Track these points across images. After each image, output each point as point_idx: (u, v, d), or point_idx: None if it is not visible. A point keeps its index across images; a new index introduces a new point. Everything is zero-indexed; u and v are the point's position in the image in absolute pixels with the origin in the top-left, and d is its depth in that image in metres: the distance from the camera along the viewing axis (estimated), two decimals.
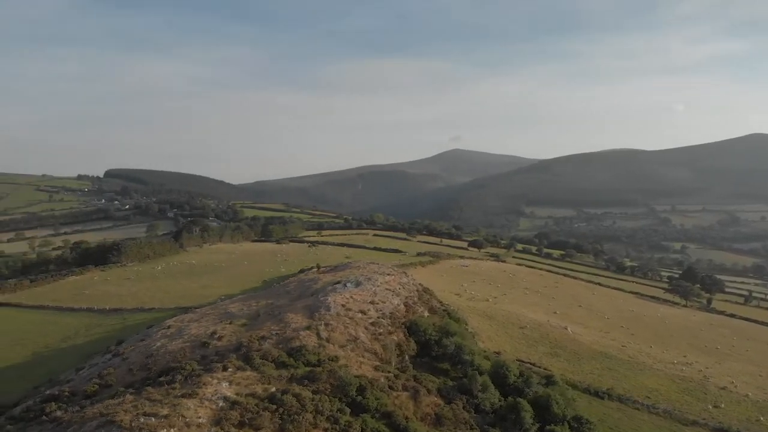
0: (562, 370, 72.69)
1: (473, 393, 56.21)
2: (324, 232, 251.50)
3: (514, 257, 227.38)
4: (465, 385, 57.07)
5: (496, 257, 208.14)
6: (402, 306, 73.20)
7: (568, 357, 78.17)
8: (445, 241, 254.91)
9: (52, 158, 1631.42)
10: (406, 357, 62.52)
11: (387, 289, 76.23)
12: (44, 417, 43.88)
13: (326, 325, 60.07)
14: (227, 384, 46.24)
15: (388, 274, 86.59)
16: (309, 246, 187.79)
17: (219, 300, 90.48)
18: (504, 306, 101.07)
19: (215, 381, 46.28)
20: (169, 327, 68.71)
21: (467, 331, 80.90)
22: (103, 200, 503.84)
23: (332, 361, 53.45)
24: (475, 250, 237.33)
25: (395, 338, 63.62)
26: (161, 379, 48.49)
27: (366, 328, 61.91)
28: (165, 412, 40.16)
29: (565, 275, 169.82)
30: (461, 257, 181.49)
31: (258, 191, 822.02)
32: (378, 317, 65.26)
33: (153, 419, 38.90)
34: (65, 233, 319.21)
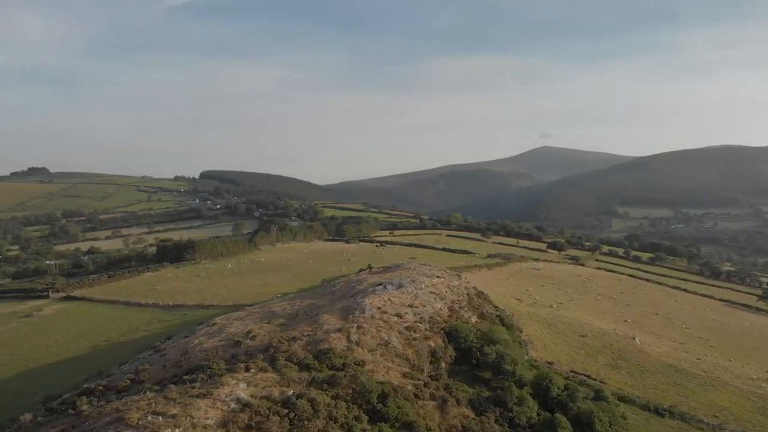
0: (621, 384, 67.29)
1: (508, 406, 52.90)
2: (396, 232, 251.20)
3: (597, 260, 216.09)
4: (500, 396, 53.83)
5: (576, 260, 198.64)
6: (445, 310, 70.59)
7: (630, 369, 72.29)
8: (523, 243, 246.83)
9: (152, 160, 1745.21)
10: (443, 364, 59.98)
11: (431, 292, 73.83)
12: (70, 410, 45.62)
13: (358, 327, 58.79)
14: (245, 385, 45.91)
15: (438, 277, 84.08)
16: (377, 246, 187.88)
17: (275, 298, 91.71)
18: (568, 312, 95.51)
19: (234, 382, 46.07)
20: (213, 324, 70.13)
21: (519, 338, 77.11)
22: (197, 200, 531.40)
23: (358, 365, 52.02)
24: (555, 252, 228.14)
25: (432, 344, 61.25)
26: (186, 377, 49.05)
27: (400, 333, 60.02)
28: (175, 411, 40.18)
29: (647, 280, 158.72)
30: (536, 260, 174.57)
31: (342, 192, 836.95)
32: (415, 321, 63.15)
33: (160, 418, 38.99)
34: (158, 231, 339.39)
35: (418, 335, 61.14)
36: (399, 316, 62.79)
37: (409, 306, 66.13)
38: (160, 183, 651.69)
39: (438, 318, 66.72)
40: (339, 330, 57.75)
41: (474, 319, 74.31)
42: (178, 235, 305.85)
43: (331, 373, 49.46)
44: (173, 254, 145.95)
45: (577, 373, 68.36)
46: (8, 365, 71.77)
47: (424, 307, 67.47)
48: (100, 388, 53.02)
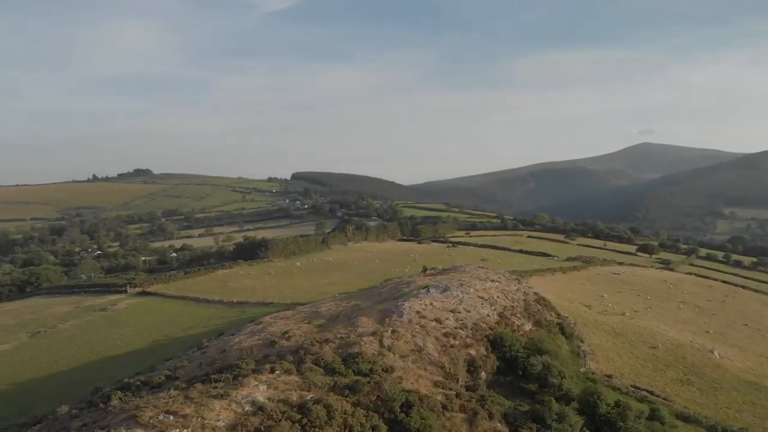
0: (689, 402, 60.84)
1: (546, 422, 48.91)
2: (473, 233, 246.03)
3: (691, 265, 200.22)
4: (539, 411, 49.91)
5: (666, 264, 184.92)
6: (493, 316, 67.00)
7: (702, 386, 65.29)
8: (611, 245, 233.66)
9: (247, 162, 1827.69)
10: (483, 374, 56.71)
11: (479, 296, 70.40)
12: (101, 405, 47.12)
13: (393, 332, 56.86)
14: (265, 387, 45.31)
15: (493, 280, 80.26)
16: (448, 247, 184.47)
17: (333, 297, 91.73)
18: (642, 321, 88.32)
19: (255, 383, 45.61)
20: (259, 323, 70.82)
21: (579, 349, 72.02)
22: (287, 200, 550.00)
23: (386, 371, 50.10)
24: (645, 255, 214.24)
25: (472, 352, 58.14)
26: (213, 376, 49.25)
27: (436, 339, 57.42)
28: (188, 411, 40.11)
29: (743, 287, 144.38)
30: (619, 263, 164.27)
31: (426, 191, 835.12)
32: (455, 327, 60.26)
33: (171, 418, 39.04)
34: (247, 230, 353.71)
35: (457, 342, 58.25)
36: (438, 321, 60.17)
37: (451, 311, 63.27)
38: (253, 184, 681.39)
39: (483, 324, 63.32)
40: (373, 333, 56.14)
41: (528, 327, 70.08)
42: (265, 233, 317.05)
43: (355, 378, 47.87)
44: (248, 252, 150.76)
45: (638, 388, 62.54)
46: (74, 357, 76.25)
47: (468, 312, 64.29)
48: (138, 383, 54.70)
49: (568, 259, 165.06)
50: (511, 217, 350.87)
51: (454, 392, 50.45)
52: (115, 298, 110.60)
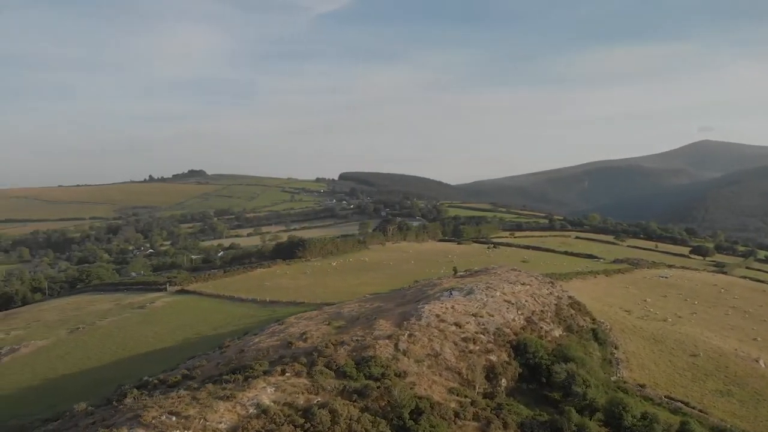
0: (728, 414, 56.94)
1: None
2: (518, 234, 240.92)
3: (747, 268, 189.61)
4: (558, 422, 47.48)
5: (720, 267, 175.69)
6: (519, 321, 64.61)
7: (743, 397, 61.03)
8: (663, 247, 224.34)
9: (297, 162, 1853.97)
10: (503, 381, 54.54)
11: (506, 300, 67.98)
12: (115, 403, 47.74)
13: (410, 335, 55.49)
14: (273, 389, 44.78)
15: (523, 284, 77.55)
16: (488, 248, 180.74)
17: (359, 298, 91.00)
18: (684, 328, 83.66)
19: (263, 385, 45.15)
20: (282, 323, 70.65)
21: (612, 356, 68.73)
22: (334, 200, 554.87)
23: (399, 376, 48.84)
24: (698, 258, 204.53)
25: (493, 358, 56.08)
26: (225, 377, 49.23)
27: (455, 344, 55.65)
28: (192, 412, 39.90)
29: None
30: (669, 266, 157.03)
31: (475, 191, 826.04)
32: (476, 332, 58.29)
33: (174, 419, 38.91)
34: (294, 229, 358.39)
35: (477, 347, 56.33)
36: (458, 325, 58.33)
37: (473, 315, 61.29)
38: (302, 184, 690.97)
39: (506, 330, 61.08)
40: (389, 337, 54.93)
41: (557, 333, 67.31)
42: (310, 233, 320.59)
43: (365, 383, 46.74)
44: (287, 252, 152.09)
45: (673, 399, 58.88)
46: (106, 353, 78.15)
47: (492, 316, 62.15)
48: (156, 382, 55.26)
49: (615, 261, 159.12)
50: (561, 218, 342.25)
51: (469, 400, 48.66)
52: (154, 296, 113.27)
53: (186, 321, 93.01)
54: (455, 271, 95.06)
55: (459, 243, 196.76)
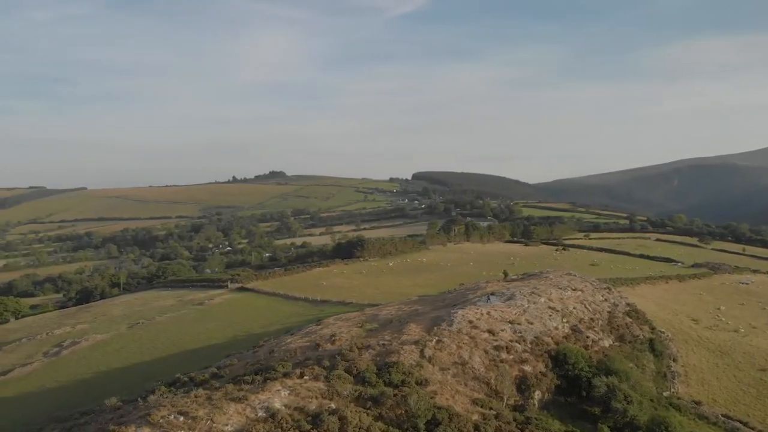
0: None
1: None
2: (593, 235, 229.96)
3: None
4: None
5: None
6: (563, 329, 60.54)
7: None
8: (752, 250, 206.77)
9: (371, 163, 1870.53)
10: (537, 393, 51.08)
11: (550, 307, 64.01)
12: (139, 399, 48.65)
13: (438, 341, 53.11)
14: (287, 392, 44.07)
15: (574, 289, 72.95)
16: (556, 250, 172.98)
17: (401, 300, 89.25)
18: (756, 339, 75.81)
19: (277, 388, 44.53)
20: (319, 324, 70.15)
21: (668, 369, 63.11)
22: (406, 200, 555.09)
23: (420, 384, 46.77)
24: None
25: (527, 368, 52.66)
26: (246, 377, 49.07)
27: (485, 352, 52.71)
28: (200, 413, 39.78)
29: None
30: (754, 271, 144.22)
31: (555, 190, 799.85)
32: (510, 340, 55.02)
33: (182, 419, 38.92)
34: (364, 228, 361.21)
35: (510, 357, 53.11)
36: (491, 332, 55.28)
37: (509, 322, 57.95)
38: (376, 184, 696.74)
39: (546, 338, 57.32)
40: (415, 342, 52.84)
41: (606, 343, 62.62)
42: (378, 233, 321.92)
43: (381, 390, 45.05)
44: (346, 251, 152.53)
45: (730, 418, 52.99)
46: (157, 349, 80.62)
47: (531, 324, 58.52)
48: (185, 379, 56.10)
49: (694, 265, 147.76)
50: (644, 218, 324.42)
51: (494, 412, 45.84)
52: (214, 293, 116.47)
53: (238, 318, 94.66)
54: (505, 274, 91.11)
55: (526, 245, 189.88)
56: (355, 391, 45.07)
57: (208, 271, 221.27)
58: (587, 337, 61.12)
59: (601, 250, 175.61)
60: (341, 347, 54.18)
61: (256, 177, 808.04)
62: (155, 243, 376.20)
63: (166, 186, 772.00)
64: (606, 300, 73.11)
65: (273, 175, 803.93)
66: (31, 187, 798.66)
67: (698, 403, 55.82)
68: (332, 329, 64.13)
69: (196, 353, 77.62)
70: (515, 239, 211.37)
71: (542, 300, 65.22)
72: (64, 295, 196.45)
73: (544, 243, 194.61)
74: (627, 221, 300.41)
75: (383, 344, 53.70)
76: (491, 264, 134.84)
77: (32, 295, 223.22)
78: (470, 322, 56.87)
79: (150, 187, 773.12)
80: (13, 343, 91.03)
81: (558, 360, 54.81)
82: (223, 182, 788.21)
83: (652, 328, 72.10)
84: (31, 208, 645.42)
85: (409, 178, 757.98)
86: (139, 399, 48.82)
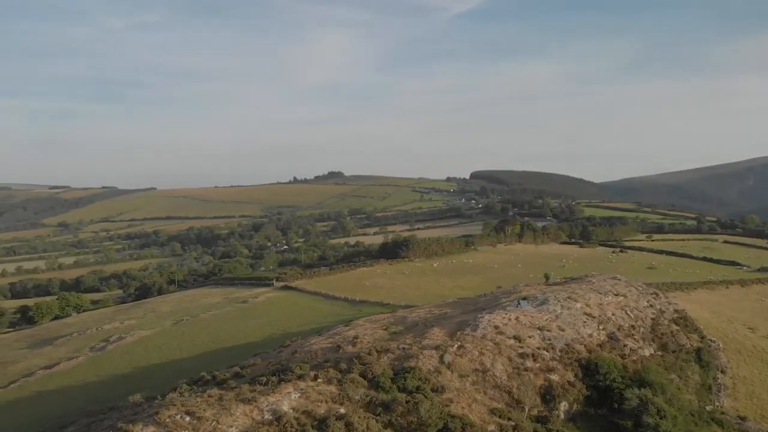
0: None
1: None
2: (656, 236, 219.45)
3: None
4: None
5: None
6: (598, 337, 57.22)
7: None
8: None
9: (428, 162, 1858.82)
10: (563, 404, 48.34)
11: (586, 313, 60.67)
12: (159, 397, 49.25)
13: (459, 347, 51.20)
14: (298, 395, 43.50)
15: (616, 294, 68.97)
16: (613, 252, 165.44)
17: (434, 303, 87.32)
18: None
19: (288, 390, 43.99)
20: (347, 325, 69.40)
21: (714, 381, 58.63)
22: (463, 200, 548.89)
23: (435, 391, 45.12)
24: None
25: (554, 377, 49.94)
26: (262, 378, 48.89)
27: (509, 359, 50.33)
28: (207, 414, 39.71)
29: None
30: None
31: (622, 189, 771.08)
32: (537, 347, 52.34)
33: (188, 419, 38.96)
34: (417, 228, 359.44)
35: (535, 365, 50.51)
36: (518, 339, 52.80)
37: (538, 328, 55.24)
38: (432, 184, 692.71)
39: (578, 346, 54.27)
40: (436, 347, 51.12)
41: (647, 352, 58.76)
42: (432, 232, 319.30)
43: (393, 396, 43.69)
44: (391, 251, 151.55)
45: None
46: (196, 345, 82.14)
47: (562, 331, 55.58)
48: (208, 378, 56.57)
49: (761, 269, 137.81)
50: (713, 219, 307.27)
51: (513, 423, 43.66)
52: (259, 291, 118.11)
53: (278, 317, 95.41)
54: (547, 277, 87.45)
55: (582, 246, 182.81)
56: (367, 396, 43.93)
57: (263, 269, 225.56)
58: (625, 345, 57.49)
59: (661, 252, 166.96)
60: (360, 350, 53.14)
61: (316, 177, 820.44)
62: (217, 241, 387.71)
63: (231, 186, 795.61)
64: (651, 306, 68.78)
65: (331, 175, 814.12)
66: (103, 188, 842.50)
67: (743, 418, 51.41)
68: (357, 331, 63.18)
69: (231, 351, 78.45)
70: (572, 240, 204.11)
71: (578, 305, 61.94)
72: (124, 291, 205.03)
73: (602, 245, 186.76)
74: (694, 222, 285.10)
75: (403, 348, 52.26)
76: (540, 266, 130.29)
77: (98, 291, 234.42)
78: (496, 327, 54.59)
79: (215, 187, 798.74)
80: (65, 337, 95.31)
81: (589, 369, 51.76)
82: (284, 183, 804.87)
83: (701, 337, 67.26)
84: (103, 208, 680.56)
85: (467, 177, 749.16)
86: (158, 396, 49.53)
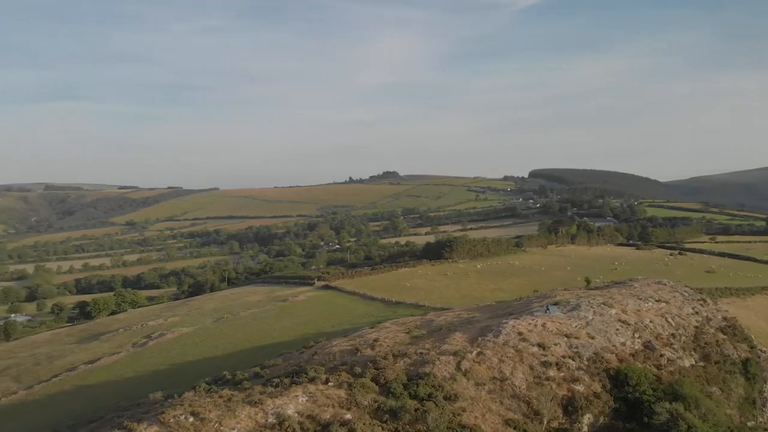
0: None
1: None
2: (720, 238, 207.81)
3: None
4: None
5: None
6: (632, 345, 53.82)
7: None
8: None
9: (485, 161, 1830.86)
10: (587, 417, 45.54)
11: (620, 320, 57.22)
12: (176, 395, 49.72)
13: (479, 353, 49.18)
14: (305, 399, 42.92)
15: (658, 300, 64.89)
16: (670, 254, 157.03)
17: (469, 306, 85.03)
18: None
19: (296, 393, 43.50)
20: (373, 327, 68.40)
21: (761, 394, 54.02)
22: (520, 199, 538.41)
23: (447, 399, 43.45)
24: None
25: (579, 388, 47.17)
26: (275, 379, 48.60)
27: (531, 368, 47.91)
28: (211, 415, 39.66)
29: None
30: None
31: (689, 188, 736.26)
32: (563, 356, 49.62)
33: (191, 419, 38.98)
34: (470, 228, 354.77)
35: (559, 374, 47.90)
36: (542, 346, 50.27)
37: (566, 335, 52.44)
38: (489, 183, 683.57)
39: (608, 355, 51.15)
40: (454, 353, 49.35)
41: (686, 362, 54.85)
42: (485, 233, 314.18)
43: (402, 403, 42.37)
44: (435, 252, 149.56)
45: None
46: (231, 344, 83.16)
47: (592, 339, 52.56)
48: (228, 377, 56.82)
49: None
50: None
51: None
52: (300, 290, 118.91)
53: (314, 316, 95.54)
54: (588, 281, 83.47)
55: (638, 248, 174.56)
56: (376, 402, 42.79)
57: (313, 267, 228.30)
58: (661, 355, 53.77)
59: (723, 255, 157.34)
60: (377, 354, 52.01)
61: (371, 177, 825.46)
62: (273, 240, 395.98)
63: (290, 187, 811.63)
64: (696, 313, 64.26)
65: (386, 175, 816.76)
66: (169, 188, 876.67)
67: None
68: (380, 333, 62.07)
69: (264, 350, 78.86)
70: (629, 242, 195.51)
71: (612, 312, 58.51)
72: (177, 288, 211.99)
73: (660, 247, 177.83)
74: (764, 223, 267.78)
75: (420, 353, 50.71)
76: (589, 269, 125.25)
77: (157, 287, 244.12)
78: (520, 333, 52.19)
79: (275, 187, 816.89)
80: (111, 333, 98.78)
81: (618, 380, 48.64)
82: (340, 183, 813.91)
83: (751, 347, 62.35)
84: (169, 207, 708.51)
85: (526, 176, 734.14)
86: (175, 395, 50.07)
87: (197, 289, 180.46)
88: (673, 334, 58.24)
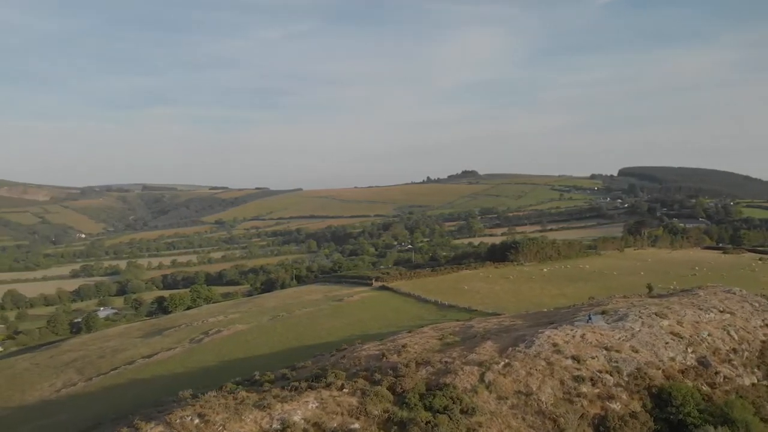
0: None
1: None
2: None
3: None
4: None
5: None
6: (683, 360, 48.66)
7: None
8: None
9: (573, 159, 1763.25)
10: None
11: (672, 332, 51.91)
12: (199, 394, 50.08)
13: (506, 365, 46.07)
14: (315, 405, 41.93)
15: (722, 311, 58.62)
16: (759, 259, 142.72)
17: (518, 313, 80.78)
18: None
19: (307, 399, 42.58)
20: (410, 331, 66.25)
21: None
22: (608, 198, 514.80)
23: (463, 413, 40.95)
24: None
25: (614, 406, 43.00)
26: (294, 383, 47.94)
27: (561, 382, 44.22)
28: (217, 418, 39.56)
29: None
30: None
31: None
32: (599, 370, 45.48)
33: (196, 421, 38.99)
34: (550, 230, 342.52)
35: (593, 390, 43.94)
36: (577, 359, 46.38)
37: (605, 348, 48.15)
38: (574, 182, 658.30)
39: (653, 371, 46.40)
40: (479, 363, 46.64)
41: (747, 381, 48.97)
42: (566, 234, 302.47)
43: (413, 415, 40.37)
44: (499, 254, 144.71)
45: None
46: (280, 342, 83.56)
47: (635, 353, 47.96)
48: (257, 378, 56.75)
49: None
50: None
51: None
52: (357, 290, 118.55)
53: (364, 317, 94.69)
54: (650, 288, 76.84)
55: (725, 252, 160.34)
56: (386, 412, 41.04)
57: (382, 267, 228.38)
58: (717, 372, 48.18)
59: None
60: (401, 360, 50.08)
61: (449, 177, 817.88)
62: (348, 239, 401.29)
63: (369, 187, 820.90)
64: (766, 326, 57.30)
65: (465, 174, 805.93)
66: (257, 188, 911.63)
67: None
68: (413, 339, 60.01)
69: (309, 350, 78.67)
70: (718, 245, 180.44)
71: (664, 323, 53.24)
72: (251, 285, 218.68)
73: (751, 251, 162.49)
74: None
75: (445, 362, 48.32)
76: (666, 275, 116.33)
77: (237, 284, 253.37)
78: (554, 345, 48.47)
79: (355, 188, 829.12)
80: (174, 328, 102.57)
81: (661, 399, 43.91)
82: (417, 182, 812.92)
83: None
84: (255, 207, 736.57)
85: (615, 174, 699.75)
86: (199, 394, 50.56)
87: (269, 286, 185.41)
88: (734, 349, 52.21)
